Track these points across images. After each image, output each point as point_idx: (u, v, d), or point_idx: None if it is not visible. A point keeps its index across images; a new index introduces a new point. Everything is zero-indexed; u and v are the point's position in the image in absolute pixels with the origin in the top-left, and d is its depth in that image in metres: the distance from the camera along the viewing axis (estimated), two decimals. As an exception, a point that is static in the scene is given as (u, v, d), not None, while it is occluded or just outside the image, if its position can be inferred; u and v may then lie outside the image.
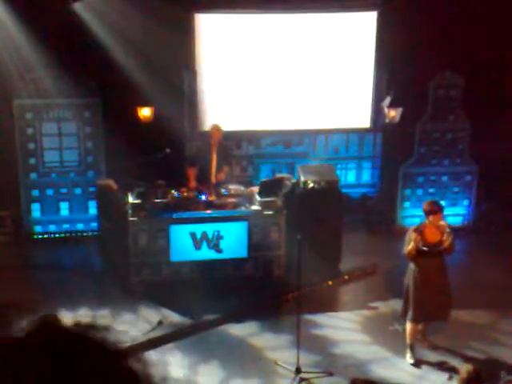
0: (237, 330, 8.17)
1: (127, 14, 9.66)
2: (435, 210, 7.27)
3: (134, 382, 1.37)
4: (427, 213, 7.29)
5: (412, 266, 7.32)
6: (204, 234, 8.91)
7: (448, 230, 7.21)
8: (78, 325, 1.45)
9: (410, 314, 7.37)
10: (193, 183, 9.58)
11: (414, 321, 7.39)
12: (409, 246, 7.20)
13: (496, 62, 10.64)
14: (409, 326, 7.46)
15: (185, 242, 8.90)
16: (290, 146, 11.36)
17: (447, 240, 7.17)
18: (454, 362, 7.41)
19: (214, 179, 9.65)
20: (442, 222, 7.30)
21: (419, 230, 7.21)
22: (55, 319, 1.45)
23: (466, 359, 7.37)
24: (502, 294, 8.91)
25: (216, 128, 9.78)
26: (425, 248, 7.17)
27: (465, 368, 5.62)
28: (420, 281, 7.24)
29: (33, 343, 1.34)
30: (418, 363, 7.44)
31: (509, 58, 10.66)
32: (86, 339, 1.41)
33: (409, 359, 7.46)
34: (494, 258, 10.02)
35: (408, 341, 7.49)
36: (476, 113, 10.79)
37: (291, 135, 11.29)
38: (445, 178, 11.26)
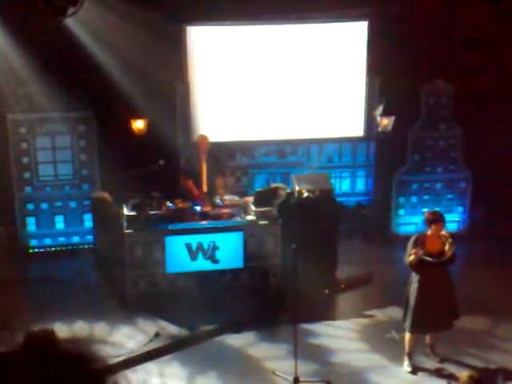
0: (234, 340, 8.16)
1: (119, 28, 9.70)
2: (437, 219, 7.19)
3: None
4: (429, 222, 7.21)
5: (414, 275, 7.29)
6: (199, 245, 8.92)
7: (450, 240, 7.15)
8: (68, 341, 1.48)
9: (407, 323, 7.37)
10: (197, 192, 9.58)
11: (412, 331, 7.39)
12: (410, 257, 7.18)
13: (487, 69, 10.72)
14: (407, 335, 7.45)
15: (180, 254, 8.90)
16: (284, 155, 11.40)
17: (449, 251, 7.13)
18: (452, 368, 7.42)
19: (205, 188, 9.67)
20: (443, 232, 7.22)
21: (420, 241, 7.18)
22: (51, 333, 1.46)
23: (464, 365, 7.37)
24: (498, 299, 8.94)
25: (202, 138, 9.81)
26: (427, 258, 7.13)
27: (466, 375, 5.61)
28: (421, 291, 7.19)
29: (25, 360, 1.36)
30: (415, 370, 7.44)
31: (500, 64, 10.74)
32: (73, 357, 1.43)
33: (406, 367, 7.46)
34: (490, 263, 10.06)
35: (406, 349, 7.48)
36: (468, 119, 10.86)
37: (285, 145, 11.33)
38: (439, 185, 11.32)
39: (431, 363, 7.57)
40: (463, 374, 5.63)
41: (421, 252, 7.10)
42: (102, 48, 9.91)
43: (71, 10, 7.17)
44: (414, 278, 7.28)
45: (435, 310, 7.21)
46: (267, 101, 10.97)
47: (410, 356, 7.48)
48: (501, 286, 9.34)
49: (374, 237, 11.12)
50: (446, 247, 7.13)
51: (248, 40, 10.80)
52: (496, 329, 8.37)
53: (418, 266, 7.16)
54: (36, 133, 10.42)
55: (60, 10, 7.19)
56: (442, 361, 7.57)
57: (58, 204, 10.65)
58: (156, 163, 9.35)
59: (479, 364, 7.47)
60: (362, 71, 11.05)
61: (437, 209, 8.90)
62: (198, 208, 9.26)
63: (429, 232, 7.23)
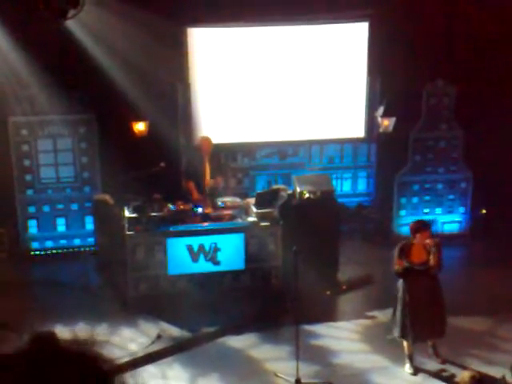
0: (236, 342, 8.16)
1: (120, 30, 9.71)
2: (421, 228, 7.22)
3: None
4: (414, 231, 7.25)
5: (400, 282, 7.32)
6: (201, 247, 8.93)
7: (433, 249, 7.14)
8: (73, 342, 1.45)
9: (395, 329, 7.37)
10: (196, 195, 9.63)
11: (400, 338, 7.39)
12: (395, 266, 7.21)
13: (488, 68, 10.71)
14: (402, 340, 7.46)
15: (182, 255, 8.91)
16: (285, 156, 11.40)
17: (433, 260, 7.14)
18: (453, 369, 7.41)
19: (207, 190, 9.70)
20: (427, 241, 7.22)
21: (405, 249, 7.20)
22: (52, 336, 1.45)
23: (465, 366, 7.37)
24: (499, 299, 8.94)
25: (205, 139, 9.84)
26: (409, 266, 7.15)
27: (467, 375, 5.61)
28: (407, 299, 7.21)
29: (26, 363, 1.35)
30: (417, 372, 7.43)
31: (502, 64, 10.74)
32: (79, 358, 1.42)
33: (408, 369, 7.44)
34: (491, 263, 10.05)
35: (406, 352, 7.48)
36: (469, 120, 10.85)
37: (286, 146, 11.33)
38: (440, 186, 11.31)
39: (433, 364, 7.57)
40: (464, 374, 5.62)
41: (404, 262, 7.14)
42: (103, 50, 9.92)
43: (72, 12, 7.18)
44: (400, 285, 7.31)
45: (422, 318, 7.22)
46: (268, 102, 10.97)
47: (410, 358, 7.47)
48: (502, 286, 9.33)
49: (375, 238, 11.12)
50: (430, 256, 7.14)
51: (249, 41, 10.80)
52: (497, 329, 8.35)
53: (405, 274, 7.20)
54: (37, 135, 10.43)
55: (61, 12, 7.20)
56: (444, 362, 7.57)
57: (60, 206, 10.66)
58: (157, 165, 9.36)
59: (481, 365, 7.46)
60: (363, 72, 11.05)
61: (431, 215, 8.84)
62: (200, 210, 9.27)
63: (414, 241, 7.25)
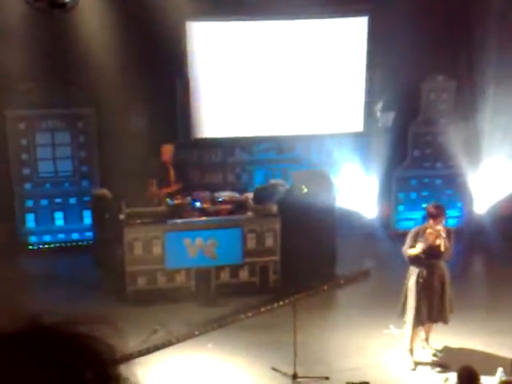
0: (233, 336, 8.17)
1: (119, 23, 9.69)
2: (438, 213, 7.14)
3: None
4: (435, 216, 7.14)
5: (412, 268, 7.28)
6: (199, 241, 8.93)
7: (443, 234, 7.13)
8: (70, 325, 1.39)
9: (408, 318, 7.35)
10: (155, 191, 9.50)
11: (413, 325, 7.37)
12: (411, 250, 7.11)
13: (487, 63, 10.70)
14: (409, 330, 7.43)
15: (180, 250, 8.92)
16: (283, 151, 11.38)
17: (445, 244, 7.11)
18: (451, 363, 7.41)
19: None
20: (438, 227, 7.18)
21: (421, 234, 7.12)
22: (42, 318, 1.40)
23: (463, 360, 7.36)
24: (495, 294, 8.95)
25: (167, 148, 9.64)
26: (427, 248, 7.08)
27: (460, 368, 5.63)
28: (421, 283, 7.17)
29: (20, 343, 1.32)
30: (415, 366, 7.44)
31: (500, 60, 10.72)
32: (77, 344, 1.37)
33: (408, 364, 7.44)
34: (489, 259, 10.06)
35: (408, 346, 7.46)
36: (469, 115, 10.84)
37: (284, 141, 11.31)
38: (438, 181, 11.29)
39: (430, 358, 7.58)
40: (459, 367, 5.65)
41: (423, 245, 7.05)
42: (101, 44, 9.89)
43: (69, 4, 7.16)
44: (413, 271, 7.26)
45: (432, 302, 7.22)
46: (267, 96, 10.95)
47: (411, 352, 7.47)
48: (499, 280, 9.34)
49: (373, 232, 11.10)
50: (442, 242, 7.12)
51: (248, 36, 10.78)
52: (496, 322, 8.34)
53: (418, 259, 7.14)
54: (35, 129, 10.41)
55: (58, 4, 7.19)
56: (436, 353, 7.61)
57: (58, 200, 10.65)
58: (156, 159, 9.36)
59: (479, 358, 7.46)
60: (362, 66, 11.02)
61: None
62: (198, 204, 9.27)
63: (430, 225, 7.18)
